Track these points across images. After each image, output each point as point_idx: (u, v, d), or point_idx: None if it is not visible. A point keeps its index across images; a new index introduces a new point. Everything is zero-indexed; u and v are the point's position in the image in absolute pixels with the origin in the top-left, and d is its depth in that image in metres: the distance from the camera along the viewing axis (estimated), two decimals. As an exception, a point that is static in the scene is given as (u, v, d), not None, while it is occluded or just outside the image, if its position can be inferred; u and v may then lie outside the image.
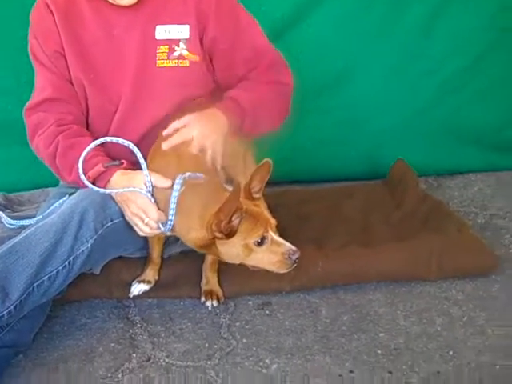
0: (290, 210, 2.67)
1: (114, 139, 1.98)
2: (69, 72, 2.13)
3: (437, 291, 2.23)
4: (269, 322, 2.12)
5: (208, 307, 2.19)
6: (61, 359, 1.98)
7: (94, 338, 2.07)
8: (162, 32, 2.10)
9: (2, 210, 2.51)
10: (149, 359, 1.97)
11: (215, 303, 2.20)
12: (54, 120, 2.09)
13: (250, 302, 2.23)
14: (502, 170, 3.09)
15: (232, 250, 1.81)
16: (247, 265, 1.86)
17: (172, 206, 1.86)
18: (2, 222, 2.25)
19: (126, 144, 1.96)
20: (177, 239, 2.32)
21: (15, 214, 2.69)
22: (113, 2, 2.04)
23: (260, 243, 1.78)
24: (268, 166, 1.81)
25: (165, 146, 1.92)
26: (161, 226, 1.90)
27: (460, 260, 2.28)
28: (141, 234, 1.98)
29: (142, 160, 1.93)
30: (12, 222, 2.22)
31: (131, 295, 2.24)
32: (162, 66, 2.10)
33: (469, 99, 3.02)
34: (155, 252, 2.22)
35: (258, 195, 1.86)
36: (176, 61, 2.10)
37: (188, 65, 2.10)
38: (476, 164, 3.11)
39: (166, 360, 1.97)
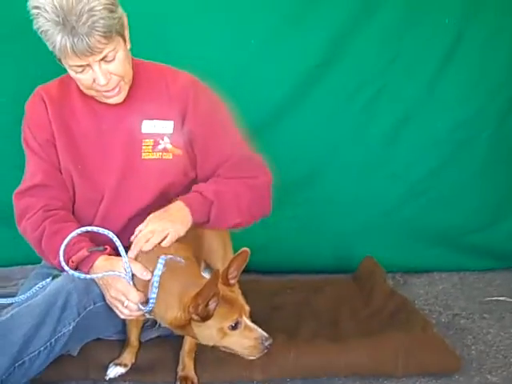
0: (263, 298, 2.77)
1: (95, 229, 2.06)
2: (59, 160, 2.24)
3: (403, 389, 2.32)
4: (241, 413, 2.18)
5: (182, 394, 2.24)
6: None
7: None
8: (149, 127, 2.22)
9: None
10: None
11: (189, 390, 2.25)
12: (42, 205, 2.19)
13: (224, 390, 2.29)
14: (465, 270, 3.25)
15: (207, 333, 1.88)
16: (219, 347, 1.93)
17: (155, 284, 1.94)
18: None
19: (105, 233, 2.04)
20: (155, 323, 2.40)
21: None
22: (100, 100, 2.18)
23: (234, 327, 1.85)
24: (246, 254, 1.93)
25: (131, 253, 2.02)
26: (141, 306, 1.98)
27: (424, 359, 2.37)
28: (121, 316, 2.06)
29: (121, 248, 2.01)
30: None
31: (107, 378, 2.28)
32: (147, 158, 2.22)
33: (433, 203, 3.20)
34: (133, 335, 2.29)
35: (233, 281, 1.96)
36: (160, 153, 2.22)
37: (171, 157, 2.23)
38: (440, 263, 3.27)
39: None
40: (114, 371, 2.29)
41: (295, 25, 2.90)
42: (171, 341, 2.34)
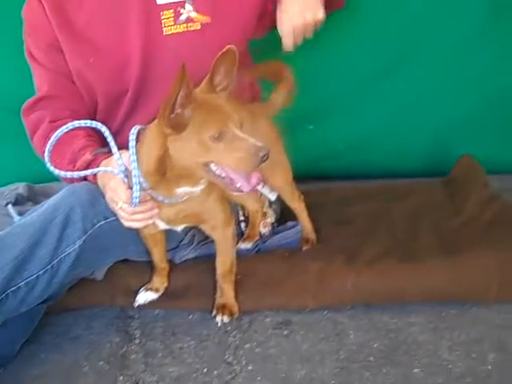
0: (331, 211, 2.36)
1: (83, 122, 1.75)
2: (66, 65, 1.95)
3: (494, 318, 1.83)
4: (284, 345, 1.80)
5: (217, 323, 1.89)
6: (39, 378, 1.74)
7: (83, 353, 1.82)
8: None
9: (23, 203, 2.31)
10: (136, 384, 1.70)
11: (226, 319, 1.90)
12: (49, 118, 1.94)
13: (268, 319, 1.91)
14: None
15: (187, 148, 1.56)
16: (209, 173, 1.58)
17: (133, 157, 1.63)
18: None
19: (93, 126, 1.74)
20: (191, 242, 2.05)
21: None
22: None
23: (218, 138, 1.53)
24: (231, 53, 1.59)
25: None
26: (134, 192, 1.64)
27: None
28: (125, 224, 1.73)
29: (112, 143, 1.70)
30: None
31: (136, 304, 1.99)
32: (170, 33, 1.89)
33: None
34: (155, 255, 1.97)
35: (226, 92, 1.64)
36: (184, 25, 1.88)
37: (199, 27, 1.88)
38: None
39: (155, 386, 1.69)
40: (143, 297, 2.00)
41: None
42: (211, 262, 1.97)
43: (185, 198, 1.71)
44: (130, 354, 1.81)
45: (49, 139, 1.82)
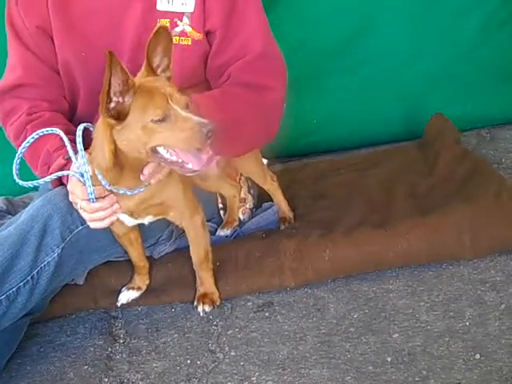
0: (307, 187, 2.36)
1: (44, 130, 1.72)
2: (51, 53, 1.89)
3: (471, 273, 1.84)
4: (265, 327, 1.80)
5: (199, 313, 1.89)
6: (25, 391, 1.75)
7: (68, 360, 1.83)
8: (165, 2, 1.84)
9: (2, 217, 2.31)
10: (121, 384, 1.71)
11: (207, 308, 1.90)
12: (26, 108, 1.88)
13: (250, 303, 1.92)
14: None
15: (131, 135, 1.54)
16: (160, 158, 1.56)
17: (81, 154, 1.62)
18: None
19: (54, 132, 1.71)
20: (169, 237, 2.05)
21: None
22: None
23: (161, 121, 1.50)
24: (164, 30, 1.57)
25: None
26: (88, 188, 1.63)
27: (498, 233, 1.87)
28: (91, 225, 1.72)
29: (69, 146, 1.68)
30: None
31: (118, 304, 2.00)
32: None
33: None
34: (132, 254, 1.96)
35: (168, 73, 1.60)
36: (177, 38, 1.84)
37: (190, 43, 1.85)
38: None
39: (140, 384, 1.69)
40: (125, 296, 2.01)
41: None
42: (189, 254, 1.96)
43: (142, 189, 1.69)
44: (115, 355, 1.82)
45: (24, 134, 1.81)
